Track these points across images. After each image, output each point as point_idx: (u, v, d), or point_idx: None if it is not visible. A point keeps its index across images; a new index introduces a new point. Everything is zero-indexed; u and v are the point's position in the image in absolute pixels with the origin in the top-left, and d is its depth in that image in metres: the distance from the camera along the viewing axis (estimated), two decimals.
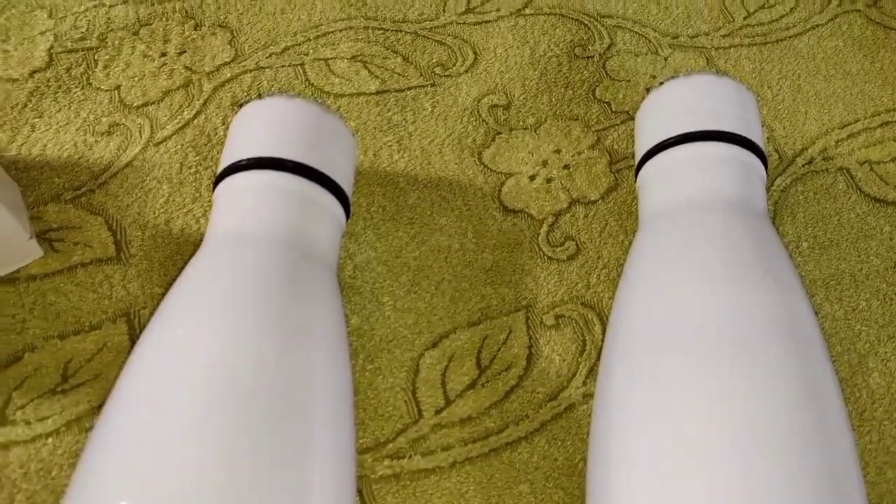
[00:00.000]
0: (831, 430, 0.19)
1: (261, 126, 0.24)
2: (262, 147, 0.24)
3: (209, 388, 0.18)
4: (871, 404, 0.27)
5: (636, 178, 0.28)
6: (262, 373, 0.19)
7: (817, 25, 0.37)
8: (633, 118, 0.33)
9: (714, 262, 0.22)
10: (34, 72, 0.30)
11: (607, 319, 0.28)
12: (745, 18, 0.36)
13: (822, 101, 0.34)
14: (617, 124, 0.32)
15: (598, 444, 0.21)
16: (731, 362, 0.20)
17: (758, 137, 0.27)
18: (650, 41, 0.35)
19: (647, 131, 0.27)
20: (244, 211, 0.23)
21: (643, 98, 0.33)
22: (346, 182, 0.25)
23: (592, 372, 0.26)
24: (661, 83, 0.28)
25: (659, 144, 0.26)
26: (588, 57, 0.34)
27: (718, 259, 0.22)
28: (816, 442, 0.19)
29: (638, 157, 0.28)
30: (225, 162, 0.24)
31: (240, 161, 0.23)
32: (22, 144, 0.29)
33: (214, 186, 0.24)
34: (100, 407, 0.24)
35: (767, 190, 0.31)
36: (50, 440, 0.23)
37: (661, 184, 0.26)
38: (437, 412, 0.25)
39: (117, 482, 0.17)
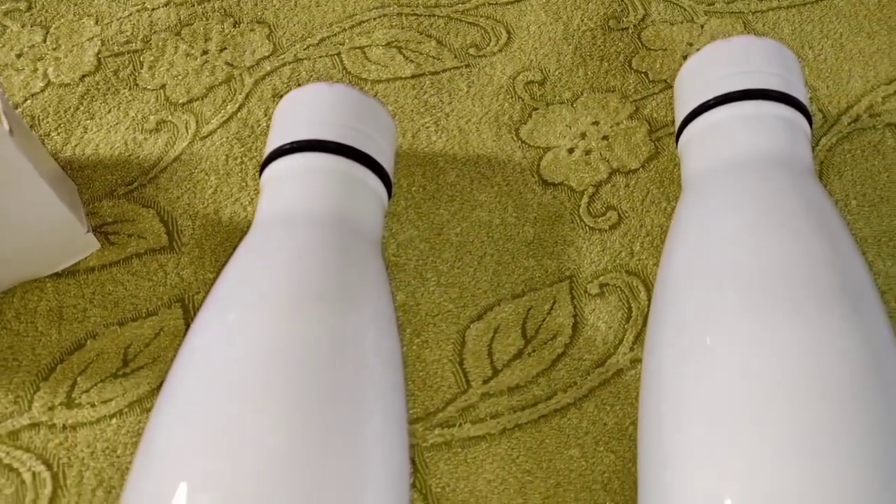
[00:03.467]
0: (887, 376, 0.19)
1: (302, 112, 0.25)
2: (303, 131, 0.24)
3: (264, 362, 0.19)
4: None
5: (677, 143, 0.27)
6: (317, 345, 0.19)
7: None
8: (670, 87, 0.32)
9: (761, 218, 0.22)
10: (84, 76, 0.32)
11: (652, 286, 0.27)
12: None
13: (867, 58, 0.33)
14: (655, 93, 0.32)
15: (650, 408, 0.21)
16: (783, 318, 0.19)
17: (801, 94, 0.26)
18: (685, 9, 0.35)
19: (686, 96, 0.27)
20: (289, 193, 0.23)
21: (681, 65, 0.32)
22: (387, 162, 0.26)
23: (639, 338, 0.26)
24: (699, 48, 0.28)
25: (699, 107, 0.26)
26: (623, 28, 0.34)
27: (765, 214, 0.22)
28: (876, 399, 0.18)
29: (678, 122, 0.27)
30: (269, 148, 0.25)
31: (283, 146, 0.24)
32: (76, 145, 0.30)
33: (260, 173, 0.25)
34: (159, 388, 0.24)
35: (813, 149, 0.31)
36: (114, 421, 0.24)
37: (703, 146, 0.26)
38: (485, 382, 0.25)
39: (178, 456, 0.18)
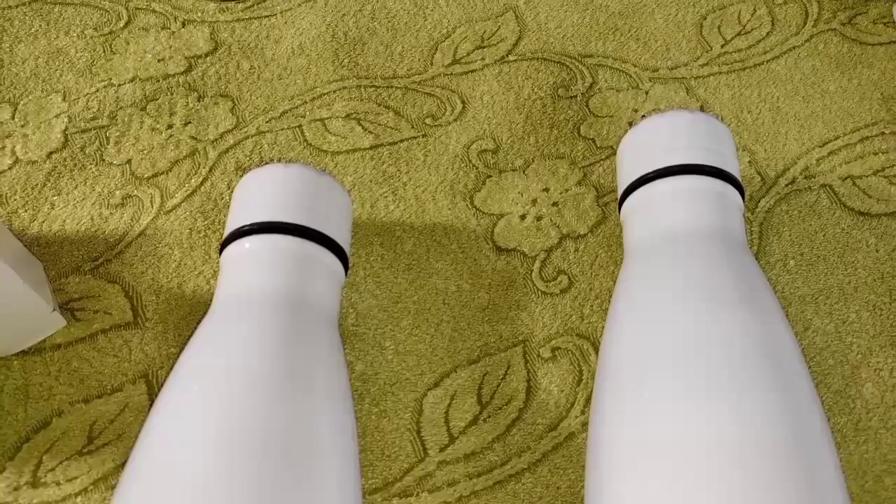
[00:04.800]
0: (812, 445, 0.20)
1: (260, 192, 0.26)
2: (261, 212, 0.25)
3: (220, 444, 0.20)
4: (866, 414, 0.28)
5: (619, 212, 0.29)
6: (270, 425, 0.20)
7: (794, 47, 0.38)
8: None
9: (695, 290, 0.23)
10: (51, 153, 0.33)
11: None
12: (722, 46, 0.38)
13: (802, 122, 0.35)
14: (602, 159, 0.34)
15: (591, 471, 0.22)
16: (713, 385, 0.21)
17: (733, 169, 0.28)
18: (631, 76, 0.37)
19: (627, 167, 0.29)
20: (247, 274, 0.24)
21: (626, 132, 0.34)
22: (343, 238, 0.27)
23: (590, 400, 0.27)
24: (641, 119, 0.29)
25: (638, 179, 0.28)
26: (571, 97, 0.36)
27: (699, 287, 0.23)
28: (798, 459, 0.20)
29: (620, 193, 0.29)
30: (228, 228, 0.26)
31: (242, 227, 0.25)
32: (43, 222, 0.31)
33: (220, 252, 0.26)
34: (124, 464, 0.25)
35: (752, 212, 0.32)
36: (79, 499, 0.25)
37: (643, 217, 0.27)
38: (442, 449, 0.26)
39: None
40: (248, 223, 0.25)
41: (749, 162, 0.34)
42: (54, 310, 0.27)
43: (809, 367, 0.28)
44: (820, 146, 0.34)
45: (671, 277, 0.24)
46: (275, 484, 0.19)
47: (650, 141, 0.28)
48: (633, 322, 0.24)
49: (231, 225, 0.26)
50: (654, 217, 0.26)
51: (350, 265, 0.30)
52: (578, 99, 0.36)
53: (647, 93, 0.36)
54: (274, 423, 0.20)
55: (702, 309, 0.23)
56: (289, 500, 0.19)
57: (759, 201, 0.33)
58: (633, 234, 0.27)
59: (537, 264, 0.31)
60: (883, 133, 0.35)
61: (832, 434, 0.26)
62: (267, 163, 0.31)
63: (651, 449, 0.21)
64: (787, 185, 0.33)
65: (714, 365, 0.21)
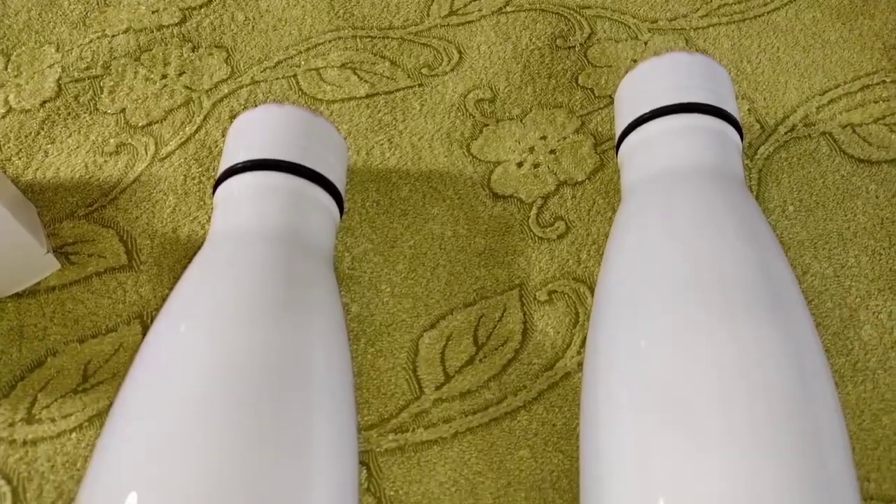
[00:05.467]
0: (810, 380, 0.20)
1: (254, 132, 0.26)
2: (255, 150, 0.25)
3: (212, 374, 0.20)
4: (864, 355, 0.27)
5: (617, 154, 0.29)
6: (262, 354, 0.20)
7: None
8: None
9: (690, 224, 0.23)
10: (45, 101, 0.32)
11: None
12: None
13: (802, 71, 0.35)
14: (600, 108, 0.33)
15: (588, 407, 0.22)
16: (710, 315, 0.20)
17: (731, 108, 0.28)
18: (629, 27, 0.36)
19: (625, 110, 0.28)
20: (240, 210, 0.24)
21: None
22: (337, 179, 0.27)
23: (586, 341, 0.27)
24: (636, 64, 0.29)
25: (635, 120, 0.27)
26: (569, 47, 0.35)
27: (695, 221, 0.23)
28: (799, 386, 0.20)
29: (617, 135, 0.29)
30: (221, 168, 0.26)
31: (234, 165, 0.25)
32: (37, 169, 0.31)
33: (214, 192, 0.26)
34: None
35: (751, 159, 0.32)
36: (74, 435, 0.25)
37: (639, 157, 0.27)
38: (438, 388, 0.26)
39: (128, 464, 0.18)
40: (241, 161, 0.25)
41: (749, 110, 0.33)
42: (48, 252, 0.27)
43: (808, 310, 0.28)
44: (820, 95, 0.34)
45: (666, 214, 0.24)
46: (270, 406, 0.19)
47: (647, 83, 0.28)
48: (627, 259, 0.24)
49: (224, 164, 0.26)
50: (649, 157, 0.26)
51: (345, 210, 0.30)
52: (577, 49, 0.35)
53: (646, 43, 0.36)
54: (268, 347, 0.20)
55: (697, 242, 0.22)
56: (284, 422, 0.19)
57: (758, 148, 0.32)
58: (629, 175, 0.27)
59: (534, 210, 0.30)
60: (884, 81, 0.34)
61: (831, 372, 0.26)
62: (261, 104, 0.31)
63: (646, 382, 0.20)
64: (786, 133, 0.33)
65: (710, 295, 0.21)
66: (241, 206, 0.24)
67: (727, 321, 0.20)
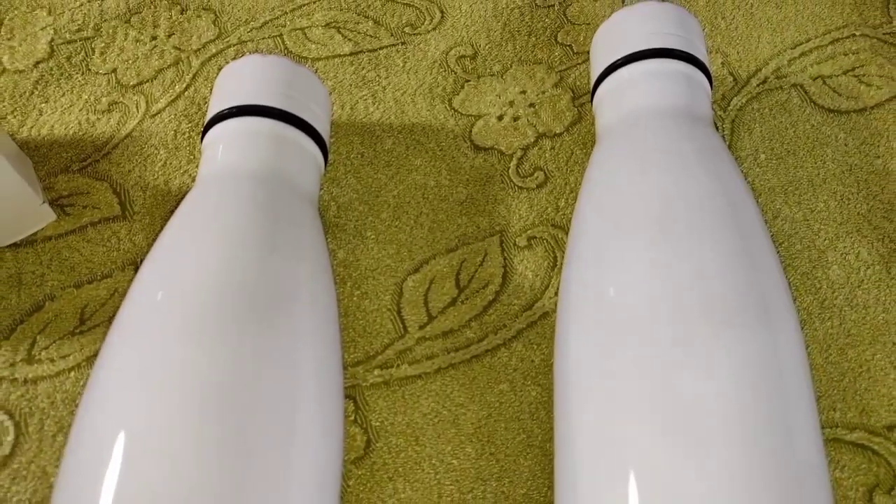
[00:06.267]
0: (769, 288, 0.21)
1: (239, 80, 0.27)
2: (240, 97, 0.26)
3: (200, 303, 0.20)
4: (832, 293, 0.29)
5: (592, 103, 0.30)
6: (250, 284, 0.21)
7: None
8: None
9: (660, 161, 0.24)
10: (38, 62, 0.33)
11: None
12: None
13: (774, 26, 0.36)
14: (578, 64, 0.34)
15: (558, 337, 0.23)
16: (669, 237, 0.22)
17: (700, 54, 0.29)
18: None
19: (598, 59, 0.29)
20: (226, 154, 0.25)
21: None
22: (321, 126, 0.28)
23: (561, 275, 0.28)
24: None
25: (608, 67, 0.28)
26: (549, 6, 0.36)
27: (664, 158, 0.24)
28: (755, 297, 0.21)
29: (592, 83, 0.30)
30: (209, 115, 0.27)
31: (220, 112, 0.26)
32: (31, 127, 0.31)
33: (201, 140, 0.27)
34: None
35: (724, 110, 0.33)
36: (72, 374, 0.26)
37: (611, 102, 0.28)
38: (421, 327, 0.27)
39: (119, 384, 0.19)
40: (227, 107, 0.26)
41: (722, 63, 0.34)
42: (44, 203, 0.28)
43: (778, 253, 0.29)
44: (791, 48, 0.35)
45: (632, 152, 0.25)
46: (258, 332, 0.20)
47: (619, 32, 0.29)
48: (595, 197, 0.25)
49: (211, 112, 0.27)
50: (620, 100, 0.27)
51: (330, 160, 0.31)
52: (556, 8, 0.36)
53: (623, 1, 0.37)
54: (255, 277, 0.21)
55: (663, 175, 0.23)
56: (272, 348, 0.20)
57: (731, 100, 0.33)
58: (602, 120, 0.28)
59: (514, 161, 0.31)
60: (854, 35, 0.35)
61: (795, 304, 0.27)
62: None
63: (609, 306, 0.21)
64: (758, 85, 0.34)
65: (671, 221, 0.22)
66: (227, 150, 0.25)
67: (686, 240, 0.21)
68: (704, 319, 0.20)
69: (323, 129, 0.27)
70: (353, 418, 0.26)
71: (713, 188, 0.23)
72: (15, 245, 0.28)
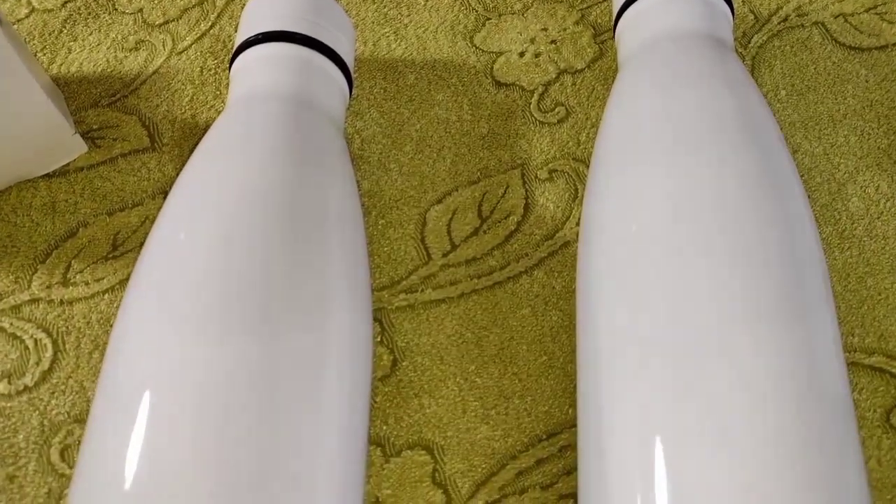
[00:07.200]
0: (789, 214, 0.22)
1: (266, 9, 0.27)
2: (268, 24, 0.26)
3: (232, 216, 0.21)
4: (851, 224, 0.29)
5: (614, 35, 0.30)
6: (280, 199, 0.22)
7: None
8: None
9: (675, 77, 0.24)
10: (66, 2, 0.34)
11: None
12: None
13: None
14: (599, 2, 0.34)
15: (581, 260, 0.24)
16: (690, 149, 0.22)
17: None
18: None
19: None
20: (255, 77, 0.26)
21: None
22: (347, 57, 0.28)
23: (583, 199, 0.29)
24: None
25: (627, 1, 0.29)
26: None
27: (679, 73, 0.24)
28: (774, 226, 0.21)
29: (614, 18, 0.30)
30: (237, 43, 0.27)
31: (248, 38, 0.26)
32: (61, 64, 0.32)
33: (230, 68, 0.27)
34: None
35: (745, 47, 0.33)
36: (106, 296, 0.27)
37: (632, 31, 0.28)
38: (445, 255, 0.28)
39: (154, 297, 0.20)
40: (254, 34, 0.26)
41: (743, 1, 0.34)
42: (76, 133, 0.29)
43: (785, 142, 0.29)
44: None
45: (652, 74, 0.25)
46: (291, 249, 0.21)
47: None
48: (616, 124, 0.25)
49: (238, 40, 0.27)
50: (642, 28, 0.27)
51: (354, 93, 0.31)
52: None
53: None
54: (286, 193, 0.22)
55: (680, 93, 0.24)
56: (304, 264, 0.21)
57: (751, 37, 0.33)
58: (624, 49, 0.28)
59: (535, 97, 0.32)
60: None
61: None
62: None
63: (629, 231, 0.22)
64: (779, 23, 0.34)
65: (691, 140, 0.22)
66: (256, 74, 0.25)
67: (707, 151, 0.21)
68: (720, 238, 0.21)
69: (348, 58, 0.28)
70: (379, 339, 0.26)
71: (733, 106, 0.23)
72: (48, 175, 0.29)
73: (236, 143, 0.23)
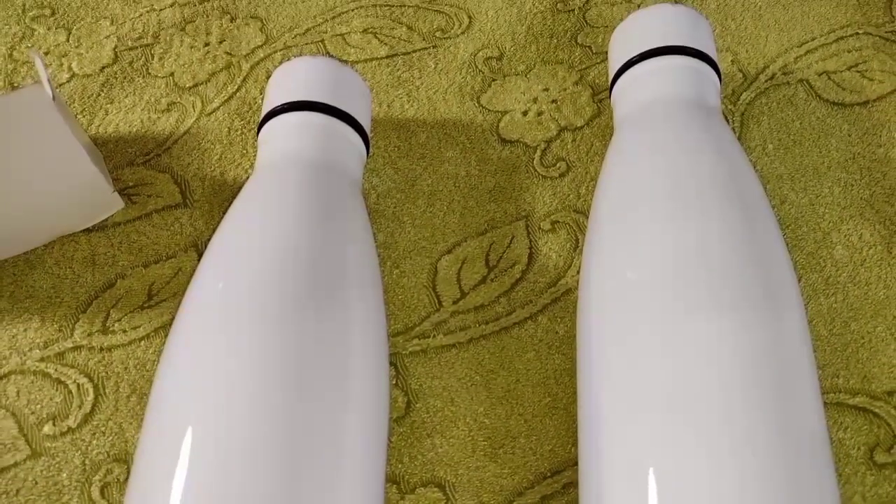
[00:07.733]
0: (770, 263, 0.24)
1: (290, 79, 0.30)
2: (293, 94, 0.29)
3: (263, 278, 0.23)
4: (836, 271, 0.31)
5: (610, 97, 0.32)
6: (308, 258, 0.24)
7: None
8: None
9: (666, 142, 0.27)
10: (103, 67, 0.37)
11: None
12: None
13: (782, 26, 0.38)
14: (597, 63, 0.37)
15: (581, 305, 0.26)
16: (678, 211, 0.24)
17: (710, 50, 0.31)
18: None
19: (616, 56, 0.32)
20: (281, 144, 0.28)
21: None
22: (364, 120, 0.30)
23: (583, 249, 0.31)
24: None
25: (624, 65, 0.31)
26: (569, 10, 0.39)
27: (670, 139, 0.27)
28: (755, 278, 0.23)
29: (610, 80, 0.32)
30: (264, 111, 0.30)
31: (275, 107, 0.29)
32: (99, 125, 0.35)
33: (258, 133, 0.30)
34: None
35: (734, 104, 0.35)
36: (143, 343, 0.29)
37: (627, 95, 0.30)
38: (455, 302, 0.30)
39: (187, 367, 0.22)
40: (281, 103, 0.29)
41: (732, 61, 0.37)
42: (114, 191, 0.31)
43: (784, 235, 0.31)
44: (798, 46, 0.37)
45: (646, 138, 0.28)
46: (317, 306, 0.23)
47: (635, 31, 0.31)
48: (612, 180, 0.27)
49: (265, 108, 0.29)
50: (636, 93, 0.30)
51: (370, 153, 0.34)
52: (576, 12, 0.39)
53: (638, 5, 0.39)
54: (312, 252, 0.24)
55: (671, 157, 0.26)
56: (329, 319, 0.23)
57: (740, 95, 0.36)
58: (620, 112, 0.31)
59: (538, 153, 0.34)
60: (857, 33, 0.38)
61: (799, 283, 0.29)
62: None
63: (623, 281, 0.24)
64: (766, 81, 0.36)
65: (681, 199, 0.25)
66: (282, 141, 0.28)
67: (695, 211, 0.24)
68: (708, 293, 0.23)
69: (366, 122, 0.30)
70: (394, 382, 0.28)
71: (719, 168, 0.26)
72: (88, 230, 0.31)
73: (266, 206, 0.25)
